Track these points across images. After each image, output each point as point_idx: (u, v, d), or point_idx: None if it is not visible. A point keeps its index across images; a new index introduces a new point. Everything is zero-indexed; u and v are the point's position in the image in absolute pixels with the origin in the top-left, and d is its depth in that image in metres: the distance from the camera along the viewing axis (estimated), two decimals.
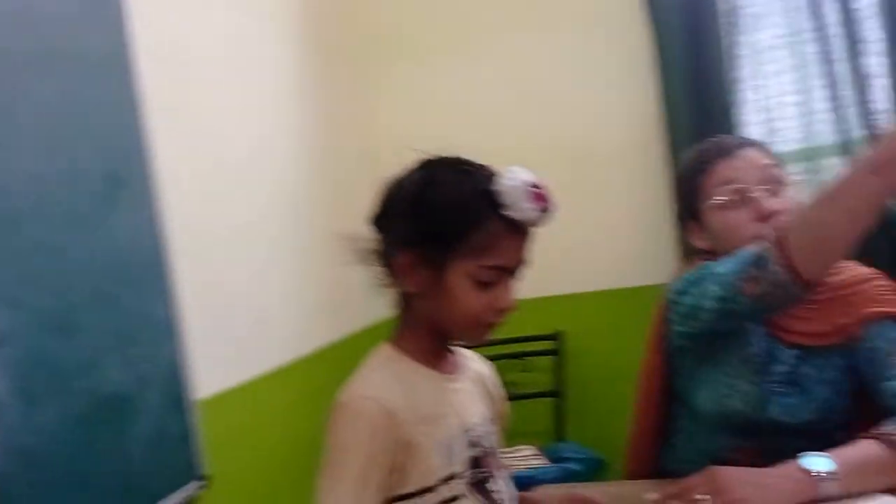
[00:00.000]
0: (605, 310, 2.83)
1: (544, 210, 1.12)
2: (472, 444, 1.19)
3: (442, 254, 1.12)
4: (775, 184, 1.43)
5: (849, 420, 1.42)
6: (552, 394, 2.78)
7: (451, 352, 1.24)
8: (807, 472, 1.19)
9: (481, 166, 1.17)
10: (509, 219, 1.11)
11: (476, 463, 1.19)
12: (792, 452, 1.33)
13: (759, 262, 1.26)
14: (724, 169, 1.46)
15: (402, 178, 1.19)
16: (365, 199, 1.22)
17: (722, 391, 1.41)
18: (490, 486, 1.21)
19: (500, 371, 2.98)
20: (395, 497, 1.11)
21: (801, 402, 1.39)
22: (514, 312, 1.16)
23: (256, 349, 2.17)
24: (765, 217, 1.40)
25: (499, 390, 1.33)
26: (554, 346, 2.82)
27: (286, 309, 2.36)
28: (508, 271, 1.14)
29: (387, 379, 1.14)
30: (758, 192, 1.41)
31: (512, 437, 2.75)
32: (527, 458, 2.57)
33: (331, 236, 1.20)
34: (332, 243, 1.21)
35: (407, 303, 1.20)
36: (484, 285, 1.12)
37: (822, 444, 1.39)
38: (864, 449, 1.23)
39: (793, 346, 1.41)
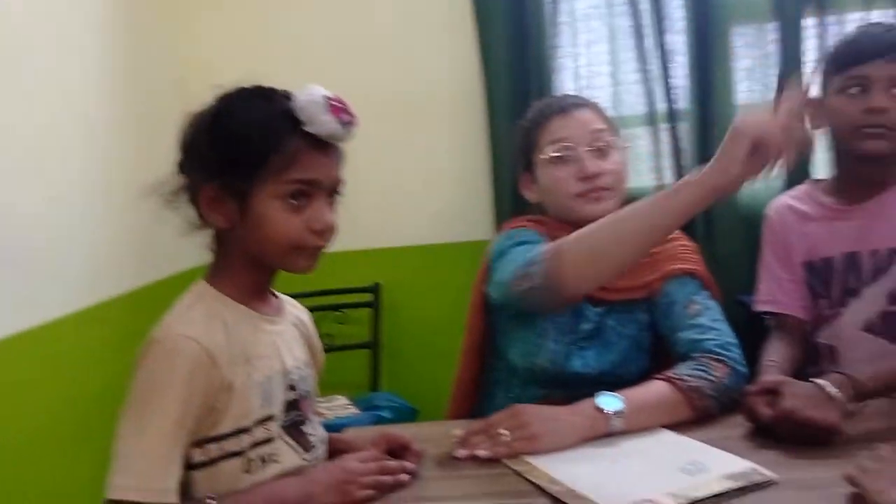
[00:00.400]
0: (422, 264, 2.88)
1: (344, 123, 1.12)
2: (290, 388, 1.20)
3: (245, 181, 1.10)
4: (603, 146, 1.51)
5: (648, 372, 1.54)
6: (368, 345, 2.81)
7: (272, 294, 1.24)
8: (599, 409, 1.31)
9: (277, 90, 1.15)
10: (310, 135, 1.10)
11: (292, 406, 1.20)
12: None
13: (531, 265, 1.34)
14: (557, 126, 1.53)
15: (198, 112, 1.15)
16: (175, 139, 1.17)
17: (530, 349, 1.52)
18: (305, 429, 1.22)
19: (318, 323, 2.98)
20: (206, 438, 1.09)
21: (600, 354, 1.51)
22: (332, 235, 1.16)
23: (49, 293, 2.02)
24: (587, 177, 1.48)
25: (316, 337, 1.34)
26: (371, 298, 2.85)
27: (84, 252, 2.21)
28: (318, 187, 1.13)
29: (205, 317, 1.11)
30: (584, 152, 1.48)
31: (327, 387, 2.77)
32: (340, 407, 2.60)
33: (137, 178, 1.14)
34: (137, 186, 1.15)
35: (221, 240, 1.17)
36: (295, 206, 1.11)
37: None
38: (653, 389, 1.37)
39: (600, 302, 1.51)
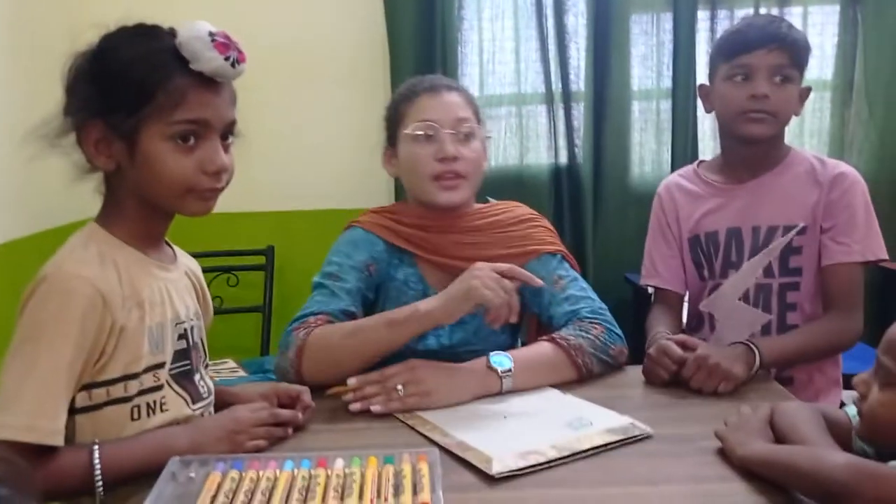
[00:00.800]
0: (316, 229, 2.84)
1: (230, 59, 1.09)
2: (180, 337, 1.18)
3: (130, 120, 1.07)
4: (466, 132, 1.54)
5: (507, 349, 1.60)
6: (260, 309, 2.78)
7: (165, 242, 1.22)
8: (491, 368, 1.38)
9: (162, 28, 1.11)
10: (197, 73, 1.08)
11: (182, 355, 1.18)
12: None
13: (289, 345, 1.43)
14: (424, 104, 1.55)
15: (82, 51, 1.11)
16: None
17: None
18: (194, 378, 1.21)
19: (208, 286, 2.92)
20: (92, 383, 1.07)
21: (454, 331, 1.57)
22: (228, 177, 1.14)
23: None
24: (445, 158, 1.51)
25: (207, 289, 1.33)
26: (264, 261, 2.81)
27: None
28: (209, 128, 1.11)
29: (98, 258, 1.08)
30: (446, 135, 1.51)
31: (216, 351, 2.71)
32: (227, 370, 2.57)
33: (23, 124, 1.09)
34: (22, 131, 1.10)
35: (111, 183, 1.13)
36: (186, 147, 1.09)
37: None
38: (539, 350, 1.44)
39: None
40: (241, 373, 2.56)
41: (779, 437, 1.07)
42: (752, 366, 1.43)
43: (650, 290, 1.85)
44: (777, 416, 1.11)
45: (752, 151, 1.66)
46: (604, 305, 1.55)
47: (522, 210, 1.65)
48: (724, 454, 1.08)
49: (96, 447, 1.04)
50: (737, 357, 1.42)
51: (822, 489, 0.89)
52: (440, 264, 1.58)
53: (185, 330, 1.20)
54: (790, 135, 1.83)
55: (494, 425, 1.23)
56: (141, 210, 1.14)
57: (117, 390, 1.09)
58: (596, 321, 1.50)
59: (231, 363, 2.62)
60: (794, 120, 1.71)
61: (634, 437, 1.17)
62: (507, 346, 1.60)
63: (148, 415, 1.12)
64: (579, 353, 1.44)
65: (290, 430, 1.23)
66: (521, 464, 1.07)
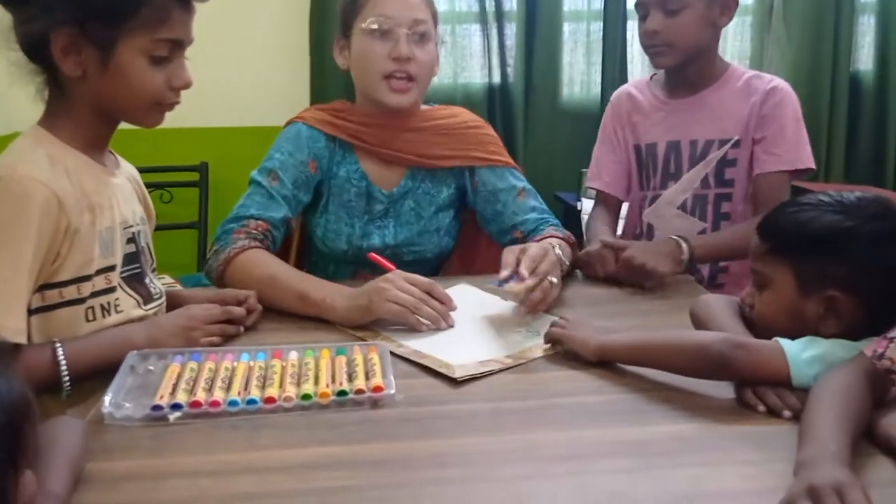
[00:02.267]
0: (250, 145, 2.82)
1: None
2: (129, 240, 1.21)
3: (109, 31, 1.08)
4: (422, 33, 1.54)
5: (449, 252, 1.71)
6: (195, 225, 2.78)
7: (109, 150, 1.24)
8: None
9: None
10: None
11: (132, 258, 1.22)
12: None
13: (218, 253, 1.43)
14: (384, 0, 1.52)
15: None
16: None
17: (328, 234, 1.61)
18: (145, 281, 1.25)
19: None
20: (46, 284, 1.09)
21: (398, 231, 1.62)
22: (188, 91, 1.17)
23: None
24: (399, 58, 1.50)
25: (147, 195, 1.36)
26: (198, 177, 2.79)
27: None
28: (181, 45, 1.15)
29: (49, 161, 1.09)
30: (403, 33, 1.50)
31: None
32: (167, 286, 2.56)
33: None
34: None
35: (64, 88, 1.13)
36: (159, 63, 1.12)
37: (424, 272, 1.65)
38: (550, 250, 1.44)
39: (394, 182, 1.61)
40: (178, 287, 2.57)
41: (698, 326, 1.17)
42: (679, 261, 1.54)
43: (582, 206, 1.94)
44: (696, 306, 1.21)
45: (683, 71, 1.73)
46: None
47: (468, 115, 1.69)
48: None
49: (59, 345, 1.07)
50: (663, 254, 1.53)
51: (705, 360, 1.00)
52: (384, 157, 1.59)
53: (134, 234, 1.23)
54: None
55: (445, 335, 1.26)
56: (93, 117, 1.16)
57: (70, 292, 1.11)
58: (560, 230, 1.61)
59: (168, 279, 2.62)
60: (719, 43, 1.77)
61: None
62: (449, 248, 1.67)
63: (102, 315, 1.15)
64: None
65: (241, 329, 1.27)
66: (481, 369, 1.11)
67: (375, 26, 1.51)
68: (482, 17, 2.95)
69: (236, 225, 1.47)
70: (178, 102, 1.18)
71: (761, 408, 0.97)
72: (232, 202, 2.91)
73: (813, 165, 1.72)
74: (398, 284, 1.28)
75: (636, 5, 1.72)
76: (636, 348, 1.10)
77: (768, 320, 1.09)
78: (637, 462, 0.88)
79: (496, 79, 3.01)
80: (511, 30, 2.98)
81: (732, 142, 1.72)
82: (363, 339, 1.25)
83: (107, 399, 0.98)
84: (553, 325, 1.20)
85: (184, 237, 2.79)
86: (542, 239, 1.53)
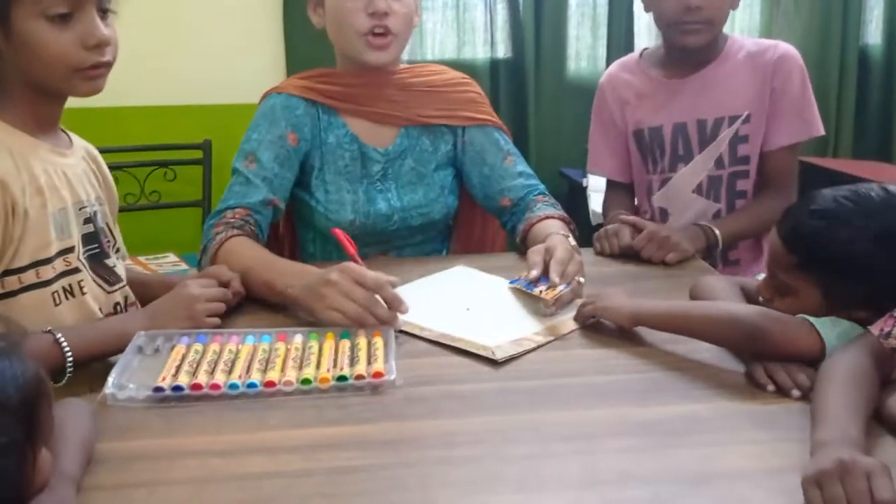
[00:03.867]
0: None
1: None
2: (86, 221, 1.18)
3: (1, 2, 1.03)
4: None
5: (454, 212, 1.67)
6: (199, 203, 2.77)
7: (60, 129, 1.20)
8: None
9: None
10: None
11: (90, 239, 1.19)
12: (411, 249, 1.60)
13: (206, 244, 1.39)
14: None
15: None
16: None
17: (332, 207, 1.54)
18: (107, 262, 1.22)
19: (146, 181, 2.88)
20: (3, 271, 1.07)
21: (401, 193, 1.58)
22: (113, 51, 1.11)
23: None
24: (375, 13, 1.44)
25: (108, 173, 1.31)
26: (202, 155, 2.78)
27: None
28: (85, 1, 1.07)
29: None
30: None
31: (157, 245, 2.72)
32: (169, 264, 2.58)
33: None
34: None
35: None
36: (62, 23, 1.06)
37: (437, 235, 1.66)
38: (551, 226, 1.46)
39: (388, 140, 1.57)
40: (184, 266, 2.58)
41: None
42: (700, 244, 1.55)
43: (587, 182, 1.91)
44: (697, 287, 1.21)
45: (690, 52, 1.69)
46: None
47: (453, 73, 1.64)
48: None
49: (59, 334, 1.06)
50: (687, 235, 1.54)
51: (740, 331, 0.99)
52: (372, 116, 1.55)
53: (90, 214, 1.19)
54: None
55: (465, 316, 1.24)
56: (29, 94, 1.11)
57: (29, 277, 1.08)
58: (550, 198, 1.59)
59: (172, 256, 2.63)
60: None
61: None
62: (454, 208, 1.64)
63: (68, 298, 1.12)
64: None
65: (234, 302, 1.25)
66: (518, 349, 1.10)
67: None
68: None
69: (215, 219, 1.43)
70: (105, 63, 1.11)
71: (771, 387, 0.96)
72: None
73: (822, 131, 1.71)
74: (342, 288, 1.14)
75: None
76: (671, 315, 1.09)
77: None
78: (645, 441, 0.88)
79: (499, 53, 2.98)
80: (518, 3, 2.94)
81: (743, 118, 1.68)
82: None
83: (110, 380, 0.98)
84: (583, 304, 1.20)
85: (188, 215, 2.78)
86: (540, 220, 1.50)
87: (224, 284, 1.25)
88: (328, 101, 1.54)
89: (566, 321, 1.21)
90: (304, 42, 2.78)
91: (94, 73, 1.10)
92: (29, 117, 1.12)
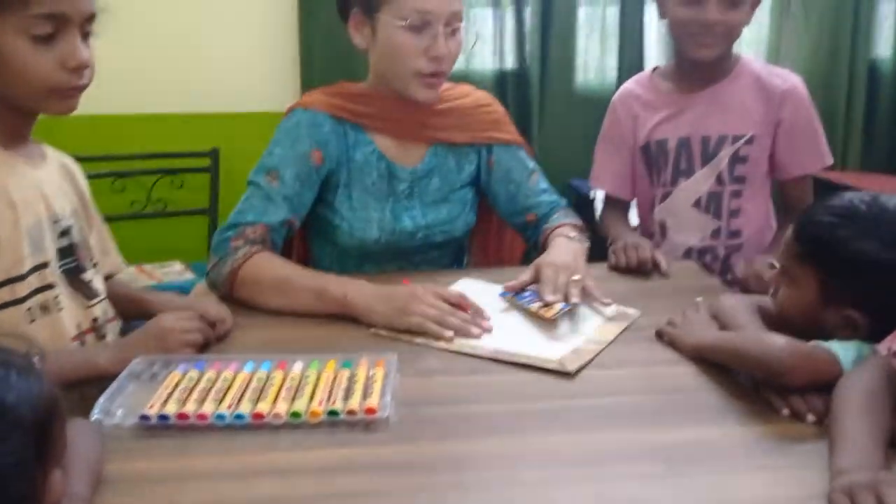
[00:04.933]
0: (262, 130, 2.82)
1: None
2: (62, 234, 1.16)
3: None
4: (456, 28, 1.45)
5: (473, 228, 1.68)
6: (206, 212, 2.77)
7: (32, 140, 1.18)
8: None
9: None
10: None
11: (67, 253, 1.17)
12: (427, 265, 1.60)
13: (224, 262, 1.36)
14: None
15: None
16: None
17: (357, 225, 1.53)
18: (84, 277, 1.20)
19: (154, 188, 2.88)
20: None
21: (426, 211, 1.58)
22: (91, 73, 1.10)
23: None
24: (437, 57, 1.44)
25: (85, 184, 1.29)
26: (209, 163, 2.78)
27: None
28: (67, 21, 1.06)
29: None
30: (441, 29, 1.42)
31: (165, 253, 2.72)
32: (175, 273, 2.57)
33: None
34: None
35: None
36: (45, 43, 1.04)
37: (453, 250, 1.66)
38: (566, 244, 1.48)
39: (416, 160, 1.57)
40: (189, 275, 2.57)
41: (721, 325, 1.16)
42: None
43: (595, 195, 1.92)
44: (716, 308, 1.20)
45: (701, 66, 1.70)
46: None
47: (479, 94, 1.65)
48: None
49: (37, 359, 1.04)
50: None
51: (766, 367, 0.99)
52: (400, 136, 1.55)
53: (66, 228, 1.17)
54: None
55: (507, 333, 1.23)
56: (2, 109, 1.09)
57: (3, 294, 1.06)
58: (571, 212, 1.64)
59: (178, 266, 2.63)
60: None
61: (634, 320, 1.27)
62: (473, 224, 1.66)
63: (43, 314, 1.11)
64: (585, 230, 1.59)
65: (215, 341, 1.20)
66: (584, 359, 1.12)
67: (417, 23, 1.41)
68: (495, 1, 2.92)
69: (232, 233, 1.40)
70: (83, 85, 1.10)
71: (785, 411, 0.96)
72: (243, 189, 2.92)
73: (831, 160, 1.75)
74: (428, 300, 1.23)
75: None
76: (715, 349, 1.10)
77: (785, 312, 1.12)
78: (659, 468, 0.87)
79: (508, 64, 2.98)
80: (525, 14, 2.94)
81: (746, 138, 1.69)
82: (424, 345, 1.19)
83: (97, 406, 0.96)
84: (669, 322, 1.22)
85: (194, 223, 2.78)
86: (554, 230, 1.53)
87: (210, 324, 1.20)
88: (357, 120, 1.52)
89: (607, 326, 1.23)
90: (319, 51, 2.79)
91: (70, 93, 1.09)
92: (0, 131, 1.10)
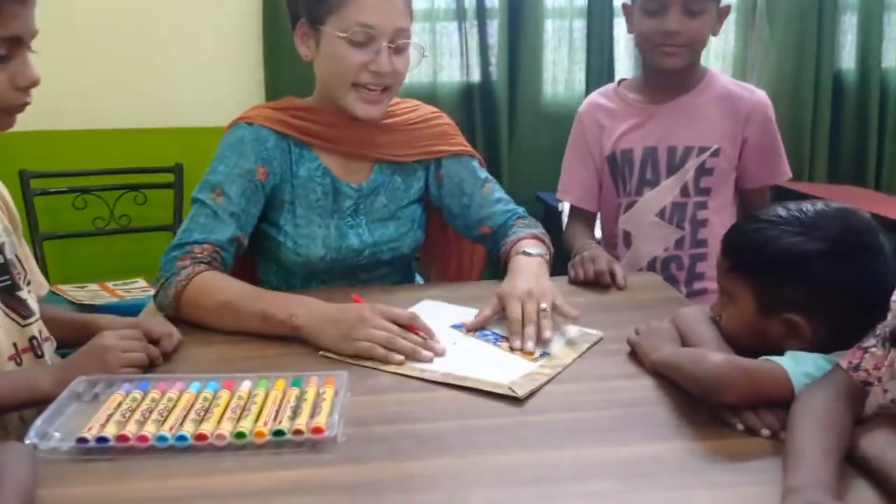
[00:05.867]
0: None
1: None
2: None
3: None
4: (401, 45, 1.43)
5: (422, 246, 1.65)
6: (170, 228, 2.73)
7: None
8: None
9: None
10: None
11: (0, 272, 1.14)
12: (375, 282, 1.57)
13: (166, 279, 1.33)
14: (366, 3, 1.38)
15: None
16: None
17: (302, 242, 1.50)
18: (20, 295, 1.17)
19: (116, 204, 2.84)
20: None
21: (372, 229, 1.55)
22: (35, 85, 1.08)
23: None
24: (377, 73, 1.41)
25: (11, 202, 1.27)
26: (173, 179, 2.74)
27: None
28: (20, 42, 1.05)
29: None
30: (384, 46, 1.40)
31: (129, 270, 2.67)
32: (139, 290, 2.53)
33: None
34: None
35: None
36: None
37: (401, 268, 1.63)
38: (526, 264, 1.41)
39: (362, 177, 1.54)
40: (153, 291, 2.52)
41: (681, 338, 1.15)
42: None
43: (564, 206, 1.92)
44: (677, 320, 1.19)
45: (668, 77, 1.71)
46: None
47: (426, 108, 1.63)
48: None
49: None
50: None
51: (701, 385, 0.98)
52: (346, 153, 1.52)
53: None
54: None
55: (459, 355, 1.19)
56: None
57: None
58: (527, 218, 1.60)
59: (142, 282, 2.58)
60: None
61: (594, 343, 1.24)
62: (422, 241, 1.63)
63: None
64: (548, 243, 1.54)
65: (160, 360, 1.17)
66: (535, 384, 1.08)
67: (357, 38, 1.39)
68: (460, 15, 2.91)
69: (179, 252, 1.36)
70: (27, 103, 1.09)
71: (740, 426, 0.94)
72: None
73: (790, 174, 1.80)
74: (376, 323, 1.18)
75: (649, 0, 1.64)
76: (664, 365, 1.08)
77: (732, 334, 1.10)
78: (612, 485, 0.85)
79: (475, 77, 2.97)
80: (492, 27, 2.94)
81: (712, 150, 1.70)
82: (375, 368, 1.15)
83: (32, 429, 0.92)
84: (636, 331, 1.19)
85: (158, 239, 2.74)
86: (513, 246, 1.49)
87: (154, 341, 1.17)
88: (302, 137, 1.49)
89: (565, 350, 1.20)
90: (284, 64, 2.76)
91: (18, 111, 1.08)
92: None
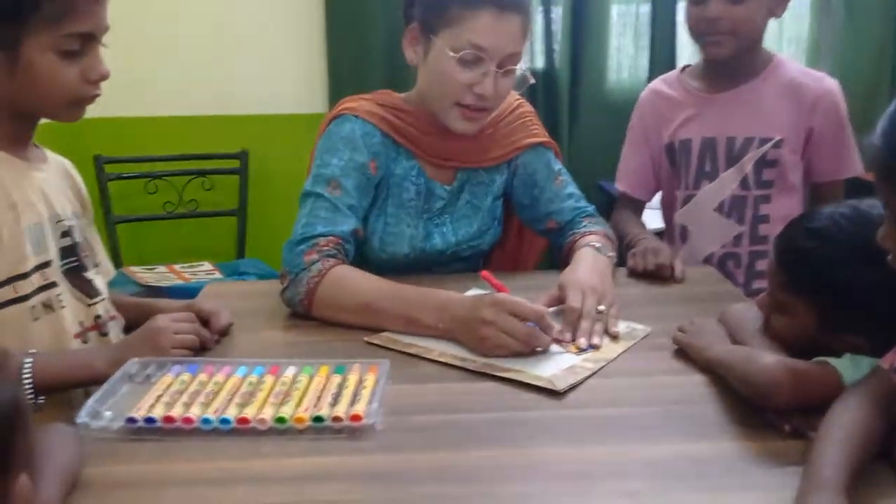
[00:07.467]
0: (291, 132, 2.84)
1: None
2: (63, 234, 1.18)
3: (13, 29, 1.04)
4: (510, 70, 1.39)
5: (500, 241, 1.64)
6: (234, 213, 2.79)
7: (33, 143, 1.20)
8: None
9: None
10: None
11: (68, 252, 1.18)
12: (448, 274, 1.55)
13: (300, 278, 1.30)
14: (485, 24, 1.33)
15: None
16: None
17: (388, 239, 1.49)
18: (87, 275, 1.21)
19: (183, 189, 2.92)
20: None
21: (457, 228, 1.55)
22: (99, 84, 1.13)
23: None
24: (481, 96, 1.37)
25: (83, 185, 1.31)
26: (239, 165, 2.80)
27: None
28: (94, 38, 1.10)
29: None
30: (492, 70, 1.35)
31: (193, 254, 2.75)
32: (203, 272, 2.59)
33: None
34: None
35: None
36: (71, 57, 1.08)
37: (476, 262, 1.63)
38: (593, 258, 1.41)
39: (450, 177, 1.54)
40: (218, 275, 2.59)
41: (730, 338, 1.11)
42: None
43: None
44: (725, 317, 1.16)
45: (726, 64, 1.65)
46: None
47: (509, 97, 1.55)
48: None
49: (29, 359, 1.04)
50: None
51: (751, 387, 0.95)
52: (440, 163, 1.52)
53: (67, 228, 1.19)
54: (768, 40, 1.82)
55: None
56: (10, 115, 1.12)
57: (6, 293, 1.07)
58: (597, 217, 1.58)
59: (207, 265, 2.64)
60: (773, 25, 1.69)
61: (642, 338, 1.22)
62: (499, 236, 1.62)
63: (47, 312, 1.12)
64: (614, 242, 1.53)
65: (215, 337, 1.21)
66: (576, 377, 1.07)
67: (467, 58, 1.35)
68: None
69: (305, 246, 1.33)
70: (97, 95, 1.13)
71: (787, 428, 0.91)
72: (271, 190, 2.94)
73: (860, 171, 1.67)
74: (501, 325, 1.13)
75: None
76: (716, 363, 1.05)
77: (783, 339, 1.05)
78: (647, 484, 0.84)
79: (538, 63, 2.94)
80: (557, 13, 2.90)
81: (774, 142, 1.63)
82: (417, 356, 1.16)
83: (84, 408, 0.95)
84: (680, 328, 1.16)
85: (223, 224, 2.81)
86: (581, 237, 1.48)
87: (204, 321, 1.21)
88: (401, 139, 1.48)
89: (611, 345, 1.19)
90: (347, 55, 2.79)
91: (87, 102, 1.14)
92: (4, 135, 1.12)
